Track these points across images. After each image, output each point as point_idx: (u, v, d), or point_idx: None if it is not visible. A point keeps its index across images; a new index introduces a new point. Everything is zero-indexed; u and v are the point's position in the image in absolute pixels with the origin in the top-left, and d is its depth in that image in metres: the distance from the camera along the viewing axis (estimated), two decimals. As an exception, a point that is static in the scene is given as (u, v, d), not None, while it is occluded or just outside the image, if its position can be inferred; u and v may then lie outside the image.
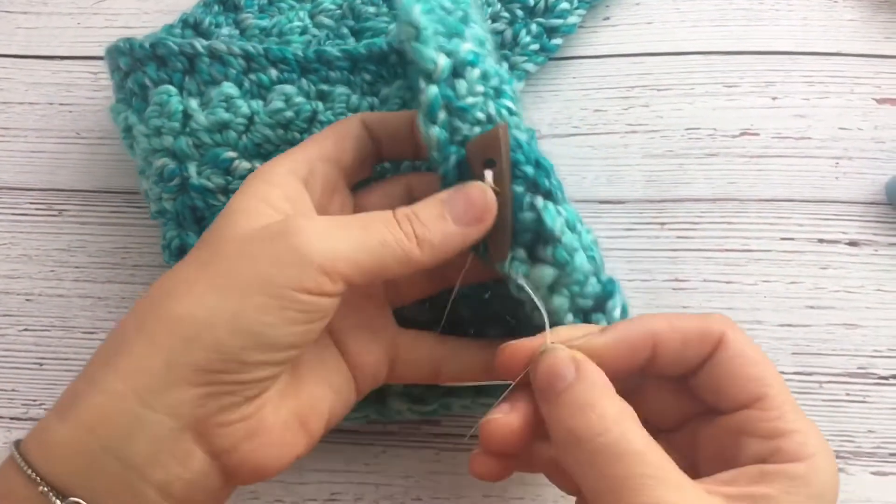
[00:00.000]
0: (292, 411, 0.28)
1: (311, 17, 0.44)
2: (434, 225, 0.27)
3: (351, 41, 0.43)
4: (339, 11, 0.44)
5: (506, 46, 0.42)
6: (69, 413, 0.25)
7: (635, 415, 0.25)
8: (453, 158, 0.29)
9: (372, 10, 0.44)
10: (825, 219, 0.40)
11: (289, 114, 0.37)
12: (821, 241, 0.40)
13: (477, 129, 0.28)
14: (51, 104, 0.45)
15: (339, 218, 0.28)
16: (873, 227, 0.40)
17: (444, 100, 0.28)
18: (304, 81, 0.37)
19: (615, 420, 0.24)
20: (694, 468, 0.26)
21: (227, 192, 0.37)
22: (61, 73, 0.46)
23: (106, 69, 0.40)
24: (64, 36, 0.47)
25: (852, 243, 0.40)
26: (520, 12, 0.43)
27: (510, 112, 0.29)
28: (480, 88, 0.29)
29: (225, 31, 0.44)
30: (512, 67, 0.42)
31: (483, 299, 0.35)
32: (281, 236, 0.26)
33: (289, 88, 0.37)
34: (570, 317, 0.29)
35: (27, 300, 0.41)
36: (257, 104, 0.37)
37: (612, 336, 0.26)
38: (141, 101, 0.38)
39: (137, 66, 0.39)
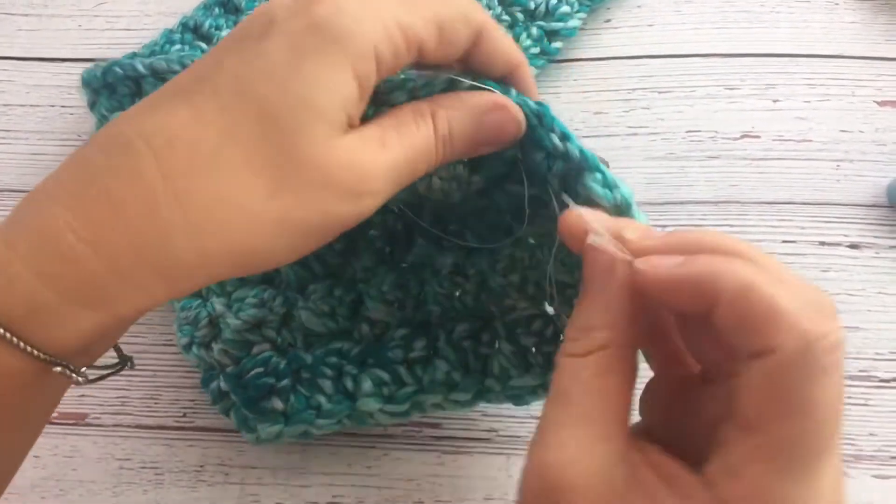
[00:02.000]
0: None
1: (312, 19, 0.44)
2: (463, 150, 0.27)
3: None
4: (339, 14, 0.44)
5: None
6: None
7: (621, 356, 0.23)
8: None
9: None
10: (826, 221, 0.40)
11: None
12: (822, 243, 0.40)
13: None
14: (52, 106, 0.45)
15: (398, 162, 0.25)
16: (874, 229, 0.40)
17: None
18: None
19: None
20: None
21: None
22: (62, 75, 0.46)
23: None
24: (65, 38, 0.47)
25: (853, 246, 0.40)
26: (520, 15, 0.43)
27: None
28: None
29: (225, 33, 0.44)
30: None
31: (454, 296, 0.35)
32: (353, 200, 0.24)
33: None
34: None
35: (28, 303, 0.41)
36: None
37: (679, 268, 0.22)
38: None
39: (95, 96, 0.39)
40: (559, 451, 0.22)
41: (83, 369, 0.24)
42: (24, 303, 0.21)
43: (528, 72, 0.29)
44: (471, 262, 0.34)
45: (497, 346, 0.34)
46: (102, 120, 0.39)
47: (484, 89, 0.27)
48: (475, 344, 0.34)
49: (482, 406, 0.38)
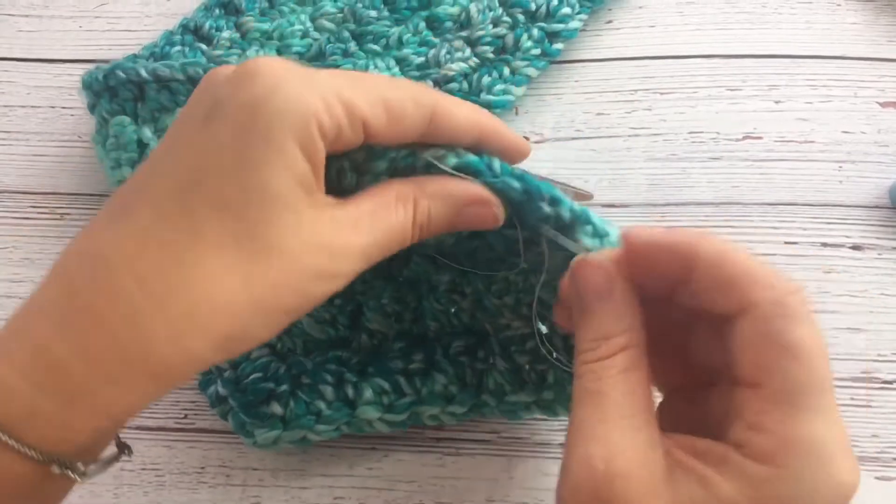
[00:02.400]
0: None
1: (313, 20, 0.44)
2: (436, 233, 0.28)
3: (352, 45, 0.43)
4: (340, 15, 0.44)
5: (507, 51, 0.43)
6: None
7: (639, 355, 0.25)
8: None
9: (373, 13, 0.44)
10: (828, 222, 0.40)
11: None
12: (824, 244, 0.40)
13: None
14: (53, 107, 0.45)
15: (369, 245, 0.26)
16: (877, 230, 0.40)
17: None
18: None
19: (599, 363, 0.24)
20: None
21: None
22: (63, 76, 0.46)
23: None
24: (66, 39, 0.47)
25: (856, 247, 0.40)
26: (521, 17, 0.43)
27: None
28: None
29: (226, 34, 0.44)
30: (513, 72, 0.42)
31: (450, 312, 0.36)
32: (327, 280, 0.25)
33: None
34: None
35: (29, 304, 0.41)
36: None
37: (654, 235, 0.25)
38: (104, 134, 0.39)
39: (95, 99, 0.39)
40: (604, 445, 0.23)
41: (83, 466, 0.24)
42: (23, 411, 0.22)
43: (500, 127, 0.29)
44: (466, 281, 0.35)
45: (492, 361, 0.34)
46: (103, 122, 0.39)
47: (465, 178, 0.27)
48: (471, 359, 0.35)
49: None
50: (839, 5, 0.44)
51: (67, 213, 0.43)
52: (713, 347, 0.25)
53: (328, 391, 0.34)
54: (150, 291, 0.23)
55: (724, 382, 0.25)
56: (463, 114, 0.27)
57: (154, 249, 0.23)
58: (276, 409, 0.34)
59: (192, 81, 0.35)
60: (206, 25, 0.43)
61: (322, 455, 0.38)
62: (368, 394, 0.34)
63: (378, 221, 0.26)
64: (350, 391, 0.34)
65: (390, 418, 0.34)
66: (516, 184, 0.27)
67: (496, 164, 0.27)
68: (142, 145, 0.37)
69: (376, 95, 0.25)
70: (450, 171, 0.27)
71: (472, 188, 0.27)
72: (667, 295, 0.26)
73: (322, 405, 0.34)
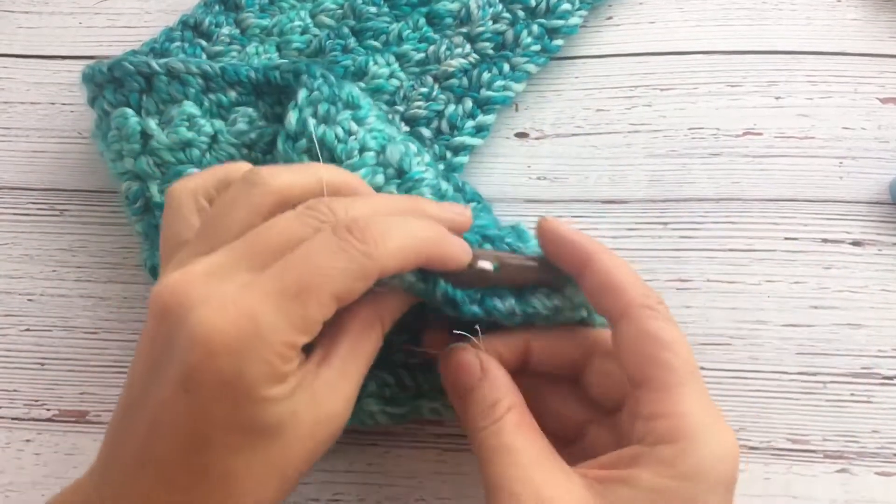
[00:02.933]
0: None
1: (313, 16, 0.44)
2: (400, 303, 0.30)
3: (352, 41, 0.43)
4: (340, 11, 0.44)
5: (507, 47, 0.42)
6: None
7: (524, 410, 0.28)
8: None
9: (373, 9, 0.44)
10: (829, 218, 0.40)
11: (253, 136, 0.37)
12: (824, 240, 0.40)
13: None
14: (52, 104, 0.45)
15: (353, 376, 0.27)
16: (877, 226, 0.40)
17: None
18: (259, 104, 0.38)
19: (498, 418, 0.27)
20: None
21: None
22: (63, 72, 0.46)
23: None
24: (66, 36, 0.47)
25: (856, 243, 0.40)
26: (521, 13, 0.43)
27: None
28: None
29: (225, 30, 0.43)
30: (513, 68, 0.42)
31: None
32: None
33: (250, 111, 0.37)
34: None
35: (29, 300, 0.41)
36: (219, 124, 0.37)
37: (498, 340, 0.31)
38: (105, 126, 0.39)
39: (98, 91, 0.39)
40: (527, 485, 0.25)
41: None
42: None
43: (438, 245, 0.27)
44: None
45: None
46: (103, 115, 0.39)
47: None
48: None
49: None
50: (839, 1, 0.44)
51: (67, 210, 0.43)
52: (606, 381, 0.30)
53: None
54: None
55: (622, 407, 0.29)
56: (399, 257, 0.26)
57: None
58: None
59: (205, 77, 0.37)
60: (206, 22, 0.43)
61: (322, 451, 0.38)
62: (371, 386, 0.34)
63: (359, 357, 0.27)
64: None
65: (392, 410, 0.34)
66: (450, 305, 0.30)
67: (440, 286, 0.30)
68: (145, 136, 0.37)
69: (321, 300, 0.24)
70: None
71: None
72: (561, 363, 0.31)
73: None
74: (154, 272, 0.37)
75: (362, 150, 0.33)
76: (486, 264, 0.30)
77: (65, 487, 0.27)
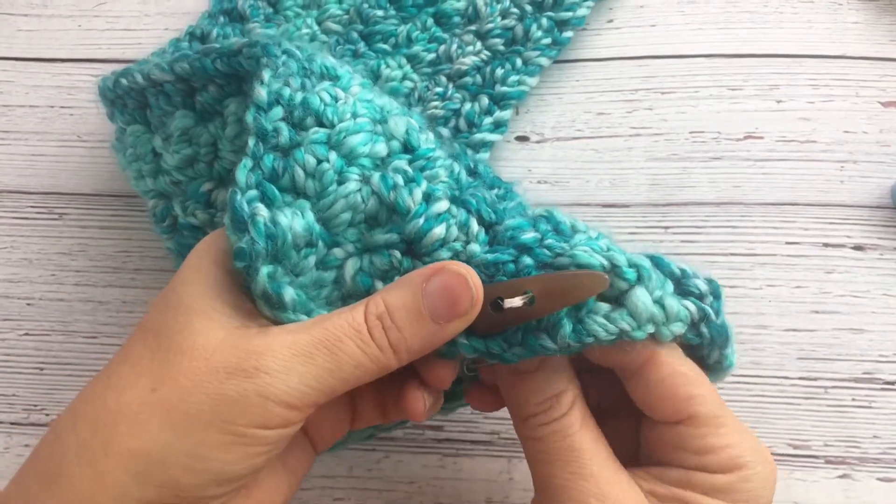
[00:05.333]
0: None
1: (319, 23, 0.44)
2: (411, 328, 0.25)
3: (361, 45, 0.43)
4: (346, 16, 0.44)
5: (518, 42, 0.43)
6: None
7: (585, 403, 0.28)
8: None
9: (380, 13, 0.43)
10: (830, 223, 0.40)
11: (246, 136, 0.33)
12: (826, 245, 0.40)
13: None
14: (51, 107, 0.45)
15: (302, 339, 0.24)
16: (878, 231, 0.40)
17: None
18: (245, 87, 0.33)
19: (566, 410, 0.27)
20: (634, 453, 0.29)
21: (215, 225, 0.35)
22: (62, 75, 0.46)
23: (107, 71, 0.40)
24: (65, 39, 0.47)
25: (857, 247, 0.40)
26: (529, 7, 0.43)
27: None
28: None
29: (234, 41, 0.43)
30: (525, 62, 0.42)
31: None
32: (242, 377, 0.23)
33: (236, 106, 0.33)
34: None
35: (28, 304, 0.41)
36: (216, 125, 0.34)
37: None
38: (124, 142, 0.37)
39: (111, 107, 0.38)
40: (599, 498, 0.25)
41: None
42: None
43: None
44: None
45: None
46: (121, 133, 0.37)
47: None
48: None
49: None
50: (841, 5, 0.44)
51: (66, 213, 0.43)
52: (608, 390, 0.29)
53: None
54: (74, 422, 0.24)
55: (622, 416, 0.29)
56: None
57: (91, 386, 0.25)
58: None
59: (183, 80, 0.34)
60: (213, 33, 0.43)
61: (322, 456, 0.37)
62: None
63: (315, 323, 0.25)
64: None
65: (449, 405, 0.33)
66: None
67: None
68: (156, 154, 0.36)
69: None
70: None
71: (429, 265, 0.26)
72: None
73: None
74: None
75: (354, 115, 0.29)
76: (515, 301, 0.25)
77: None
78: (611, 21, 0.45)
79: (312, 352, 0.24)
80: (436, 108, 0.42)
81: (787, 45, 0.44)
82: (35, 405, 0.39)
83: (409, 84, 0.42)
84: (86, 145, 0.44)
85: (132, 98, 0.36)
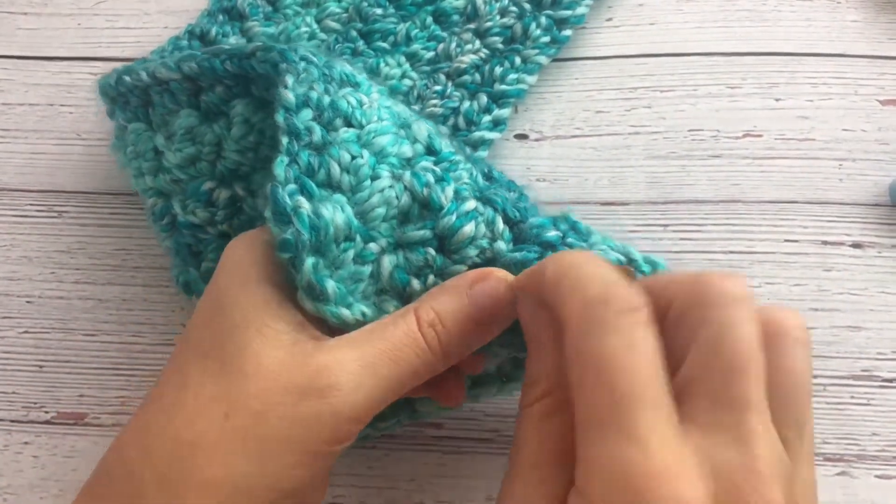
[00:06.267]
0: None
1: (318, 21, 0.44)
2: (460, 332, 0.26)
3: (360, 44, 0.43)
4: (345, 15, 0.44)
5: (517, 40, 0.43)
6: None
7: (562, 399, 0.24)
8: None
9: (379, 11, 0.44)
10: (829, 221, 0.40)
11: (252, 137, 0.34)
12: (824, 242, 0.40)
13: None
14: (51, 105, 0.45)
15: (367, 352, 0.25)
16: (877, 229, 0.40)
17: None
18: (253, 89, 0.34)
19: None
20: None
21: (215, 223, 0.35)
22: (61, 74, 0.46)
23: (106, 70, 0.40)
24: (64, 37, 0.47)
25: (856, 245, 0.40)
26: (527, 5, 0.43)
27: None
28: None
29: (232, 40, 0.43)
30: (524, 61, 0.42)
31: None
32: (316, 396, 0.24)
33: (243, 107, 0.34)
34: None
35: (27, 302, 0.41)
36: (221, 126, 0.34)
37: None
38: (124, 141, 0.37)
39: (112, 105, 0.38)
40: (510, 499, 0.22)
41: None
42: None
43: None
44: None
45: None
46: (122, 130, 0.38)
47: None
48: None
49: (484, 406, 0.38)
50: (839, 3, 0.44)
51: (66, 211, 0.43)
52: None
53: None
54: (147, 455, 0.24)
55: None
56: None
57: (152, 415, 0.25)
58: None
59: (189, 79, 0.34)
60: (213, 31, 0.43)
61: (321, 453, 0.37)
62: None
63: (375, 333, 0.25)
64: None
65: (382, 425, 0.34)
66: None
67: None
68: (157, 153, 0.36)
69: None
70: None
71: (470, 271, 0.27)
72: None
73: None
74: (186, 288, 0.36)
75: (380, 119, 0.30)
76: None
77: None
78: (610, 19, 0.45)
79: (377, 364, 0.24)
80: (435, 106, 0.42)
81: (785, 43, 0.44)
82: (34, 403, 0.39)
83: (407, 82, 0.42)
84: (85, 143, 0.44)
85: (135, 96, 0.36)
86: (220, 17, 0.44)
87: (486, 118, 0.41)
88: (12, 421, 0.39)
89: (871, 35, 0.44)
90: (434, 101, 0.42)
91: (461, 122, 0.41)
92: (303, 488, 0.25)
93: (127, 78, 0.36)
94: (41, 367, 0.40)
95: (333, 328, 0.27)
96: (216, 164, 0.35)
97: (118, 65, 0.38)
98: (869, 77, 0.43)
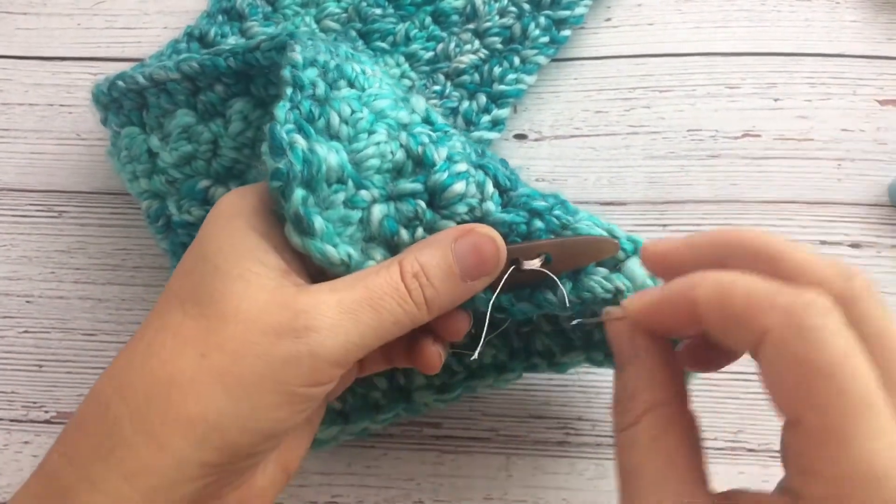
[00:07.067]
0: (278, 465, 0.28)
1: (318, 21, 0.44)
2: (444, 286, 0.26)
3: (360, 44, 0.43)
4: (344, 15, 0.44)
5: (516, 41, 0.43)
6: None
7: (671, 412, 0.24)
8: None
9: (378, 11, 0.44)
10: (828, 221, 0.40)
11: (250, 133, 0.35)
12: (823, 242, 0.40)
13: None
14: (51, 105, 0.45)
15: (347, 297, 0.25)
16: (876, 228, 0.40)
17: None
18: (252, 88, 0.34)
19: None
20: None
21: None
22: (61, 74, 0.46)
23: (106, 70, 0.40)
24: (64, 37, 0.47)
25: (855, 245, 0.40)
26: (526, 6, 0.43)
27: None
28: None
29: (231, 41, 0.43)
30: (523, 61, 0.42)
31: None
32: (293, 336, 0.24)
33: (242, 105, 0.34)
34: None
35: (27, 302, 0.41)
36: (217, 125, 0.35)
37: (651, 298, 0.24)
38: (119, 146, 0.38)
39: (105, 111, 0.38)
40: None
41: None
42: None
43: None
44: None
45: (536, 323, 0.35)
46: (115, 135, 0.38)
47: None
48: (515, 324, 0.35)
49: (482, 405, 0.38)
50: (838, 3, 0.44)
51: (65, 211, 0.43)
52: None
53: (382, 382, 0.35)
54: (123, 393, 0.24)
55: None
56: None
57: (129, 356, 0.25)
58: (335, 404, 0.35)
59: (188, 79, 0.34)
60: (212, 32, 0.43)
61: (320, 453, 0.38)
62: (420, 379, 0.35)
63: (357, 280, 0.26)
64: (402, 379, 0.35)
65: (445, 397, 0.35)
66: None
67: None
68: (152, 155, 0.36)
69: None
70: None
71: (455, 227, 0.28)
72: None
73: (378, 395, 0.35)
74: None
75: (381, 86, 0.31)
76: (534, 262, 0.28)
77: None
78: (609, 20, 0.45)
79: (357, 309, 0.25)
80: (434, 106, 0.42)
81: (784, 43, 0.44)
82: (34, 402, 0.39)
83: (407, 82, 0.42)
84: (85, 143, 0.44)
85: (129, 99, 0.36)
86: (220, 18, 0.44)
87: (485, 118, 0.41)
88: (12, 420, 0.39)
89: (870, 35, 0.44)
90: (433, 101, 0.42)
91: (460, 122, 0.41)
92: (281, 432, 0.25)
93: (120, 83, 0.36)
94: (41, 366, 0.40)
95: (318, 279, 0.27)
96: (212, 163, 0.35)
97: (117, 65, 0.38)
98: (868, 77, 0.43)
